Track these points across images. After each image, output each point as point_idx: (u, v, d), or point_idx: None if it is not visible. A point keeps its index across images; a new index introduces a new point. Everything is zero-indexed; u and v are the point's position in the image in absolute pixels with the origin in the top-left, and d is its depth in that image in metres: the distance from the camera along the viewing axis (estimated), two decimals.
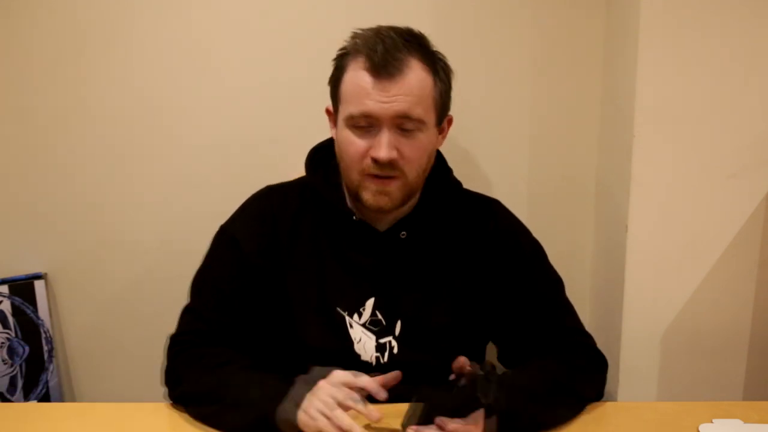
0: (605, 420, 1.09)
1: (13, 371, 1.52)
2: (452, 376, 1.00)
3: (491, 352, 1.26)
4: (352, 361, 1.11)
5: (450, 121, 1.17)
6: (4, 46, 1.44)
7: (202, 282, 1.17)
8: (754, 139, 1.26)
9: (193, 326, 1.14)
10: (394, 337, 1.12)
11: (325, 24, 1.41)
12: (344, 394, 0.93)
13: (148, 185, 1.50)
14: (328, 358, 1.11)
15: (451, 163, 1.21)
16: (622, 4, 1.32)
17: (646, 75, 1.24)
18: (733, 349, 1.34)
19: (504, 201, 1.26)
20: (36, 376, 1.53)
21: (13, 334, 1.52)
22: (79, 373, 1.59)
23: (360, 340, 1.12)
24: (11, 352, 1.52)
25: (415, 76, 1.05)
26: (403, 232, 1.13)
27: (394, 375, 1.01)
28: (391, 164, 1.05)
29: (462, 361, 0.99)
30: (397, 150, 1.05)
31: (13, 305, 1.51)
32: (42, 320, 1.53)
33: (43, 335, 1.53)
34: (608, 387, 1.18)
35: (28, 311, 1.52)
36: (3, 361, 1.51)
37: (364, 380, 0.94)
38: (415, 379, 1.01)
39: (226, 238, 1.17)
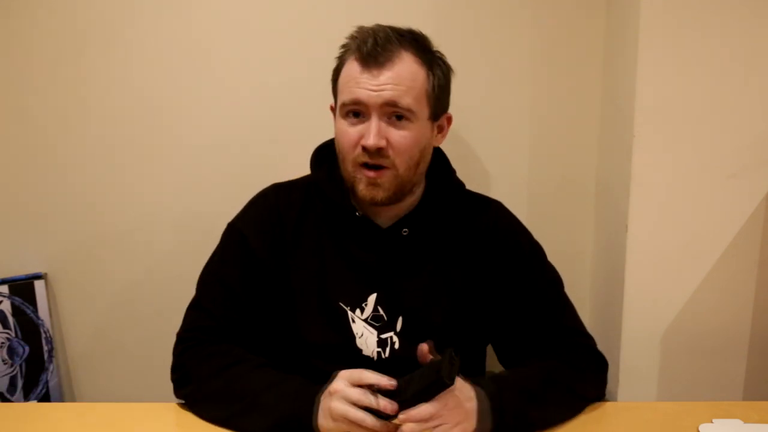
0: (605, 420, 1.09)
1: (13, 371, 1.52)
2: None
3: (491, 353, 1.26)
4: (353, 356, 1.12)
5: (449, 120, 1.17)
6: (4, 46, 1.44)
7: (209, 278, 1.18)
8: (754, 139, 1.25)
9: (199, 323, 1.14)
10: (396, 333, 1.13)
11: (325, 24, 1.42)
12: (357, 394, 0.94)
13: (148, 185, 1.50)
14: (330, 353, 1.12)
15: (452, 162, 1.22)
16: (622, 4, 1.32)
17: (646, 75, 1.24)
18: (733, 349, 1.34)
19: (504, 201, 1.26)
20: (36, 376, 1.53)
21: (13, 334, 1.52)
22: (79, 373, 1.60)
23: (362, 335, 1.13)
24: (11, 352, 1.52)
25: (406, 66, 1.07)
26: (405, 229, 1.14)
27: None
28: (379, 152, 1.06)
29: (425, 348, 0.99)
30: (387, 139, 1.06)
31: (13, 305, 1.51)
32: (42, 320, 1.53)
33: (43, 335, 1.53)
34: (608, 387, 1.19)
35: (28, 311, 1.52)
36: (3, 361, 1.51)
37: (371, 376, 0.95)
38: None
39: (234, 234, 1.18)
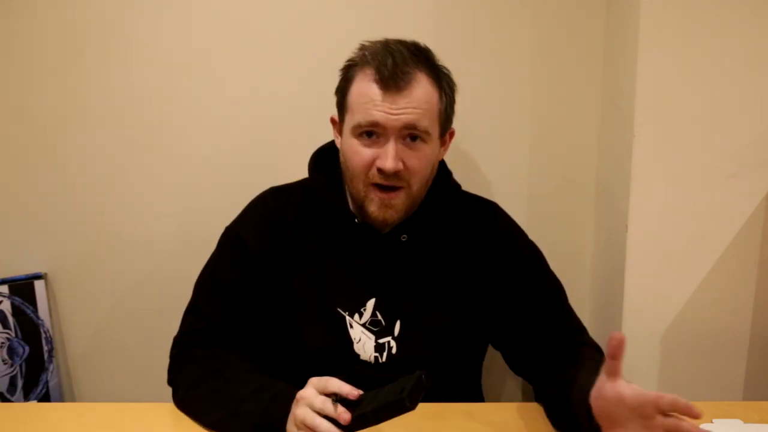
0: None
1: (13, 371, 1.52)
2: None
3: (489, 358, 1.26)
4: (351, 361, 1.12)
5: (452, 134, 1.18)
6: (4, 46, 1.44)
7: (207, 281, 1.18)
8: (754, 139, 1.26)
9: (195, 326, 1.14)
10: (393, 338, 1.13)
11: (326, 28, 1.42)
12: (321, 402, 0.91)
13: (148, 185, 1.50)
14: (328, 357, 1.12)
15: (451, 163, 1.22)
16: (622, 4, 1.32)
17: (646, 75, 1.24)
18: (733, 349, 1.34)
19: (504, 201, 1.26)
20: (36, 376, 1.53)
21: (13, 334, 1.52)
22: (79, 373, 1.60)
23: (359, 340, 1.13)
24: (11, 352, 1.52)
25: (423, 89, 1.07)
26: (404, 235, 1.14)
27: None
28: (396, 175, 1.07)
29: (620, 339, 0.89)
30: (402, 161, 1.06)
31: (13, 305, 1.51)
32: (42, 320, 1.53)
33: (43, 335, 1.53)
34: None
35: (28, 311, 1.52)
36: (3, 361, 1.51)
37: (335, 384, 0.91)
38: None
39: (232, 237, 1.18)
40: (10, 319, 1.51)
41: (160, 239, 1.52)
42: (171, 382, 1.12)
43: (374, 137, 1.07)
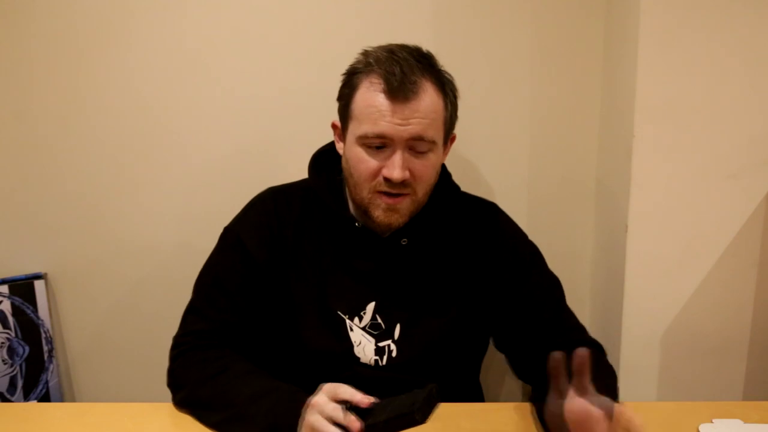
0: None
1: (13, 371, 1.52)
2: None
3: (492, 354, 1.26)
4: (351, 364, 1.12)
5: (453, 139, 1.18)
6: (4, 46, 1.44)
7: (206, 281, 1.17)
8: (754, 139, 1.26)
9: (195, 327, 1.14)
10: (393, 341, 1.13)
11: (327, 31, 1.41)
12: (332, 409, 0.91)
13: (148, 185, 1.50)
14: (328, 360, 1.12)
15: (451, 163, 1.22)
16: (622, 4, 1.32)
17: (646, 75, 1.24)
18: (733, 349, 1.34)
19: (504, 201, 1.26)
20: (36, 376, 1.53)
21: (13, 334, 1.52)
22: (79, 373, 1.60)
23: (360, 343, 1.13)
24: (11, 352, 1.52)
25: (430, 98, 1.06)
26: (404, 239, 1.14)
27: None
28: (403, 183, 1.07)
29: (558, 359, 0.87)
30: (409, 170, 1.07)
31: (13, 305, 1.51)
32: (42, 320, 1.53)
33: (43, 335, 1.53)
34: None
35: (28, 311, 1.52)
36: (3, 361, 1.51)
37: (347, 391, 0.92)
38: (412, 381, 1.01)
39: (231, 237, 1.17)
40: (10, 319, 1.51)
41: (160, 239, 1.52)
42: (171, 385, 1.12)
43: (380, 146, 1.07)
